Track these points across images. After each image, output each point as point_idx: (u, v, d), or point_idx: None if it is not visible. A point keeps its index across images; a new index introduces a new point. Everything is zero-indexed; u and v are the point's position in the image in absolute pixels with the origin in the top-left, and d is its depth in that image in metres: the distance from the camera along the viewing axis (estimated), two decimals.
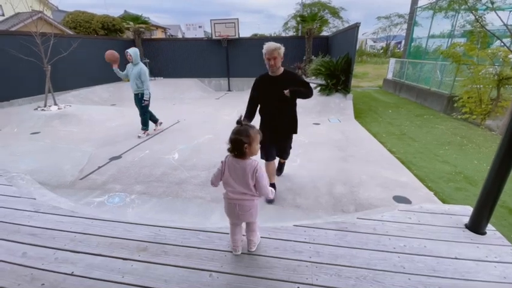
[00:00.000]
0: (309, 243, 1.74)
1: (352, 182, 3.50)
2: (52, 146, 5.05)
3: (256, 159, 1.61)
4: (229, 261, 1.61)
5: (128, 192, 3.22)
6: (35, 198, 2.53)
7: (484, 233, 1.80)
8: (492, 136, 5.56)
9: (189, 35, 13.54)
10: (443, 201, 3.11)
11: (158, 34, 30.59)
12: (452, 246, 1.69)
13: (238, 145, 1.49)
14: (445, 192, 3.38)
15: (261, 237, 1.79)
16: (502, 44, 5.68)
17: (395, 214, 2.03)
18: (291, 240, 1.76)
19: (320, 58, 8.73)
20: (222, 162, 1.62)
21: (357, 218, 1.97)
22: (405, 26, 30.27)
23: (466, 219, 1.93)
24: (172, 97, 10.24)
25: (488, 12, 6.23)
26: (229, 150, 1.57)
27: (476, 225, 1.81)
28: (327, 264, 1.58)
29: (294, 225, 1.90)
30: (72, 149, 4.89)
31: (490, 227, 1.84)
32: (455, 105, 6.69)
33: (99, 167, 4.07)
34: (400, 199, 3.07)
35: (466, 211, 2.03)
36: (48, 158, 4.40)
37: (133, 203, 2.86)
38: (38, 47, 6.73)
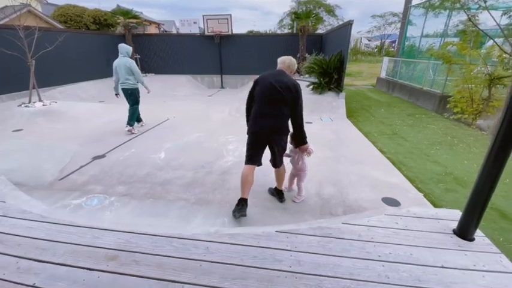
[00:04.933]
0: (290, 251, 1.64)
1: (341, 182, 3.42)
2: (34, 144, 4.86)
3: None
4: (204, 272, 1.50)
5: (108, 193, 3.08)
6: (4, 202, 2.39)
7: (472, 239, 1.72)
8: (482, 136, 5.55)
9: (184, 31, 13.30)
10: (433, 203, 3.05)
11: (152, 29, 30.11)
12: (439, 254, 1.61)
13: None
14: (434, 193, 3.32)
15: (239, 244, 1.69)
16: (495, 43, 5.65)
17: (381, 219, 1.95)
18: (271, 248, 1.66)
19: (313, 56, 8.63)
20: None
21: (342, 223, 1.88)
22: (399, 24, 30.39)
23: (454, 224, 1.85)
24: (163, 94, 10.04)
25: (481, 12, 6.20)
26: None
27: (465, 231, 1.74)
28: (307, 274, 1.48)
29: (276, 231, 1.80)
30: (55, 147, 4.71)
31: (478, 233, 1.77)
32: (448, 105, 6.66)
33: (81, 167, 3.92)
34: (389, 201, 3.00)
35: (455, 215, 1.96)
36: (28, 157, 4.23)
37: (112, 205, 2.73)
38: (22, 41, 6.49)
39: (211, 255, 1.60)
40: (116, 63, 5.18)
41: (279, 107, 2.53)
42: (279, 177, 2.94)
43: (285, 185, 3.08)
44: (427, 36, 10.56)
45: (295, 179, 3.02)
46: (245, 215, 2.49)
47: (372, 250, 1.63)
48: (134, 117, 5.54)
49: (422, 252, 1.62)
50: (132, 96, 5.35)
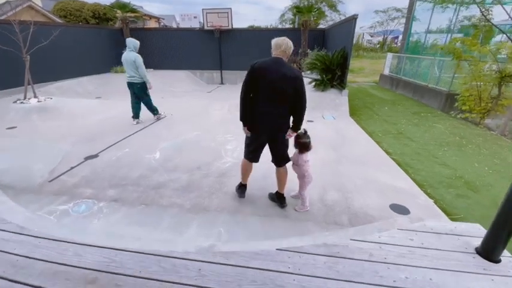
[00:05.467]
0: (293, 274, 1.45)
1: (346, 187, 3.23)
2: (26, 142, 4.67)
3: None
4: None
5: (98, 198, 2.90)
6: None
7: (498, 261, 1.53)
8: (492, 136, 5.34)
9: (184, 25, 13.01)
10: (444, 211, 2.86)
11: (152, 24, 29.72)
12: (462, 279, 1.42)
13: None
14: (445, 199, 3.13)
15: (236, 265, 1.50)
16: (507, 39, 5.40)
17: (394, 234, 1.76)
18: (272, 270, 1.47)
19: (315, 52, 8.38)
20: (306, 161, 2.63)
21: (351, 240, 1.69)
22: (403, 20, 30.00)
23: (476, 242, 1.66)
24: (161, 89, 9.76)
25: (493, 6, 5.95)
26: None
27: (490, 251, 1.55)
28: None
29: (277, 249, 1.61)
30: (47, 146, 4.52)
31: (505, 253, 1.58)
32: (456, 104, 6.43)
33: (72, 168, 3.72)
34: (397, 208, 2.81)
35: (475, 231, 1.77)
36: (19, 156, 4.04)
37: (101, 212, 2.54)
38: (17, 35, 6.26)
39: (204, 279, 1.42)
40: (123, 57, 5.18)
41: (282, 105, 2.39)
42: (281, 179, 2.75)
43: (289, 191, 2.89)
44: (430, 32, 10.29)
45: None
46: (243, 197, 2.88)
47: (385, 274, 1.45)
48: (152, 106, 5.81)
49: (442, 276, 1.44)
50: (138, 91, 5.42)
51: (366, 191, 3.14)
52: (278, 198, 2.82)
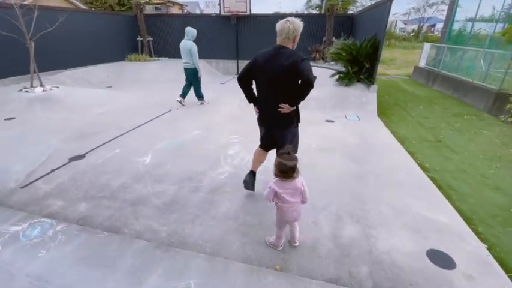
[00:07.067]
0: None
1: (368, 217, 2.52)
2: (18, 136, 4.37)
3: None
4: None
5: (64, 215, 2.42)
6: None
7: None
8: None
9: (208, 12, 12.40)
10: (501, 262, 2.09)
11: (175, 11, 29.39)
12: None
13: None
14: (502, 244, 2.33)
15: None
16: None
17: None
18: None
19: (341, 40, 7.44)
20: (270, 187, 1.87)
21: None
22: (442, 7, 27.33)
23: None
24: (174, 80, 9.29)
25: None
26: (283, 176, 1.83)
27: None
28: None
29: None
30: (38, 141, 4.19)
31: None
32: (508, 106, 5.33)
33: (52, 170, 3.32)
34: (438, 257, 2.07)
35: None
36: (3, 154, 3.70)
37: (55, 239, 2.05)
38: (18, 20, 5.97)
39: None
40: (180, 44, 5.78)
41: (280, 96, 2.22)
42: None
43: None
44: (471, 20, 8.94)
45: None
46: (252, 189, 2.75)
47: None
48: (200, 93, 6.28)
49: None
50: (190, 76, 5.98)
51: (394, 226, 2.42)
52: None
